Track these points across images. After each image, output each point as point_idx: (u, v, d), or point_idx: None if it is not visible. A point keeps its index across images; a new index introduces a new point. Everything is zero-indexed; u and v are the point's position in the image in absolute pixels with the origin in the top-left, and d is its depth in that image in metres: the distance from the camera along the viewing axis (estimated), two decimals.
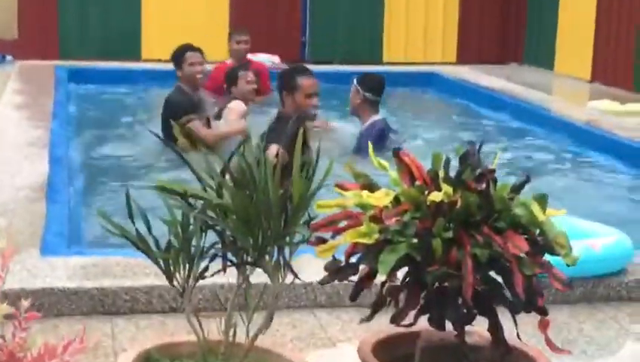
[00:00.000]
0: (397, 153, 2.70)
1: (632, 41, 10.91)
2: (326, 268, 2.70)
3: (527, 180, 2.67)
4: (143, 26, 12.18)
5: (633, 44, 10.90)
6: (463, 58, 12.94)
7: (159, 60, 11.80)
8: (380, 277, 2.63)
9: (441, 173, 2.67)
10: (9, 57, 11.60)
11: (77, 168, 6.92)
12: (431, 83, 11.48)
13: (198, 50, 7.73)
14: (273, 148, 5.45)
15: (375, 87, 7.36)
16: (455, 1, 12.99)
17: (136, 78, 11.03)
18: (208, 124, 7.63)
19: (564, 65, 12.15)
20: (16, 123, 7.81)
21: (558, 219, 2.70)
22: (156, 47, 12.12)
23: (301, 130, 2.80)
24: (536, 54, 12.81)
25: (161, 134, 7.23)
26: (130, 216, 2.64)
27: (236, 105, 7.83)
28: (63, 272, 4.14)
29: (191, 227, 2.63)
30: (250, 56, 11.11)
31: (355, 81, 7.39)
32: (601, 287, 4.38)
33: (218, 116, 7.89)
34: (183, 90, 7.53)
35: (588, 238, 4.41)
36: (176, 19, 12.21)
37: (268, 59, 11.49)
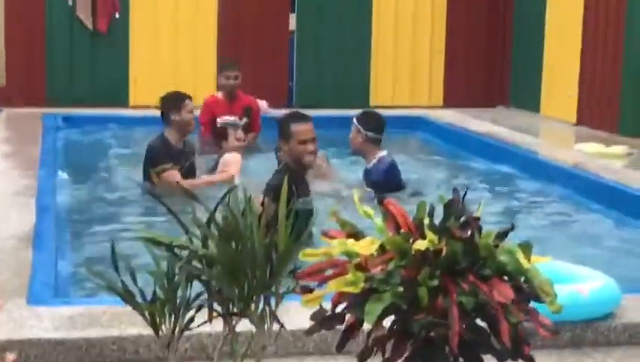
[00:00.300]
0: (382, 201, 2.72)
1: (617, 83, 10.99)
2: (312, 318, 2.71)
3: (512, 228, 2.68)
4: (131, 73, 12.21)
5: (618, 86, 10.98)
6: (449, 102, 13.01)
7: (147, 107, 11.85)
8: (367, 326, 2.63)
9: (426, 221, 2.68)
10: None
11: (64, 216, 6.90)
12: (418, 126, 11.53)
13: (191, 97, 7.78)
14: (258, 199, 5.45)
15: (376, 124, 7.38)
16: (441, 46, 13.08)
17: (123, 124, 11.04)
18: (192, 172, 7.63)
19: (550, 107, 12.22)
20: (3, 172, 7.81)
21: (545, 263, 2.71)
22: (144, 93, 12.15)
23: (285, 180, 2.81)
24: (523, 97, 12.89)
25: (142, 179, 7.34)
26: (116, 269, 2.65)
27: (231, 158, 7.85)
28: (49, 322, 4.12)
29: (176, 277, 2.64)
30: None
31: (354, 120, 7.41)
32: (589, 332, 4.38)
33: (214, 169, 7.93)
34: (166, 138, 7.55)
35: (575, 283, 4.42)
36: (164, 66, 12.25)
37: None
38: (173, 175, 7.30)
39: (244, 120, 9.76)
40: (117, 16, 12.01)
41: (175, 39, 12.31)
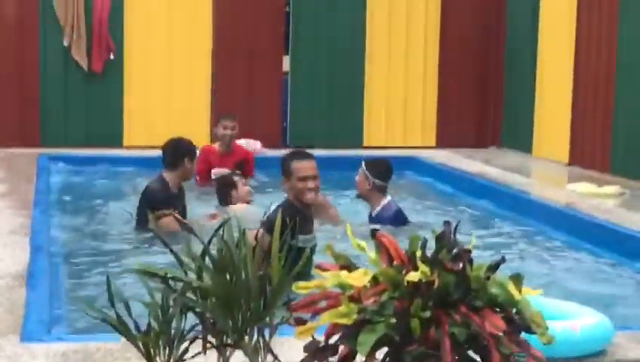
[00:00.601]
0: (375, 234, 2.75)
1: (609, 124, 11.07)
2: (306, 349, 2.73)
3: (503, 260, 2.71)
4: (125, 114, 12.27)
5: (610, 127, 11.05)
6: (442, 142, 13.08)
7: (140, 147, 11.90)
8: (360, 358, 2.65)
9: (419, 254, 2.71)
10: None
11: (58, 254, 6.92)
12: (410, 166, 11.57)
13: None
14: (252, 232, 5.45)
15: (383, 172, 7.57)
16: (434, 87, 13.17)
17: (117, 164, 11.08)
18: (184, 216, 7.62)
19: (542, 148, 12.29)
20: None
21: (538, 301, 2.74)
22: (138, 134, 12.21)
23: (280, 213, 2.84)
24: (515, 138, 12.96)
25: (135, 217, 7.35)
26: (111, 300, 2.66)
27: (239, 209, 7.87)
28: (43, 359, 4.12)
29: (171, 309, 2.66)
30: None
31: (363, 166, 7.54)
32: None
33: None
34: (166, 182, 7.53)
35: (567, 319, 4.43)
36: (158, 106, 12.32)
37: (249, 145, 11.58)
38: (173, 222, 7.20)
39: (237, 173, 9.80)
40: (112, 57, 12.09)
41: (169, 80, 12.38)
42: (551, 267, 7.10)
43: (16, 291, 5.29)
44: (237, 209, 7.80)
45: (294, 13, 12.80)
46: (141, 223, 7.45)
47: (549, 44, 12.21)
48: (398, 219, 7.57)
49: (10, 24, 11.93)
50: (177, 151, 7.62)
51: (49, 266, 6.22)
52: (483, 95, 13.34)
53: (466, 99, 13.29)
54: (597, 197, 9.40)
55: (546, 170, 11.77)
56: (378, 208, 7.51)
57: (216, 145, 9.93)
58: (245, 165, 9.77)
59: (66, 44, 11.95)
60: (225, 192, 8.20)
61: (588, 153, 11.44)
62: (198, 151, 7.85)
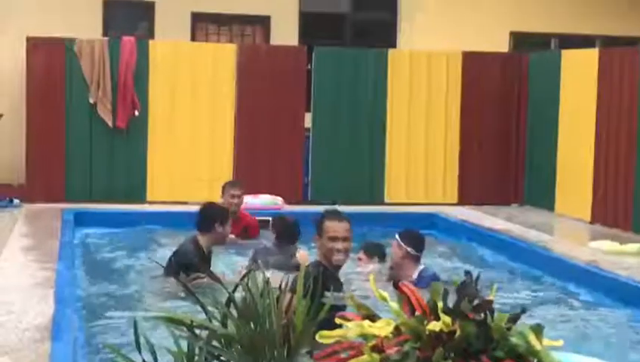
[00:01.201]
0: (397, 284, 2.79)
1: (631, 182, 11.08)
2: None
3: (524, 311, 2.74)
4: (149, 170, 12.39)
5: (632, 184, 11.07)
6: (464, 199, 13.10)
7: (163, 202, 12.00)
8: None
9: (440, 304, 2.75)
10: (16, 201, 11.77)
11: (82, 307, 6.97)
12: (433, 224, 11.59)
13: None
14: (277, 278, 5.42)
15: (419, 245, 7.72)
16: (456, 143, 13.22)
17: (141, 219, 11.16)
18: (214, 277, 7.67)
19: (564, 206, 12.30)
20: (23, 264, 7.92)
21: (561, 356, 2.75)
22: (161, 190, 12.31)
23: (302, 268, 2.89)
24: (537, 195, 12.98)
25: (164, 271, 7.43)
26: (138, 346, 2.71)
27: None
28: None
29: (196, 357, 2.70)
30: (252, 198, 11.29)
31: (398, 237, 7.69)
32: None
33: None
34: (200, 245, 7.64)
35: None
36: (182, 164, 12.43)
37: (271, 201, 11.67)
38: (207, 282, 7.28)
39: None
40: (137, 113, 12.24)
41: (193, 136, 12.51)
42: (573, 325, 7.09)
43: (42, 344, 5.34)
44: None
45: (316, 70, 12.94)
46: (170, 276, 7.49)
47: (570, 104, 12.28)
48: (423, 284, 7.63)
49: (38, 81, 12.12)
50: (208, 216, 7.74)
51: (74, 318, 6.27)
52: (505, 152, 13.38)
53: (489, 155, 13.32)
54: (619, 254, 9.39)
55: (568, 227, 11.76)
56: (414, 276, 7.52)
57: None
58: (249, 230, 9.95)
59: (91, 100, 12.12)
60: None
61: (610, 212, 11.44)
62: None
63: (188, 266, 7.40)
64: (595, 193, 11.70)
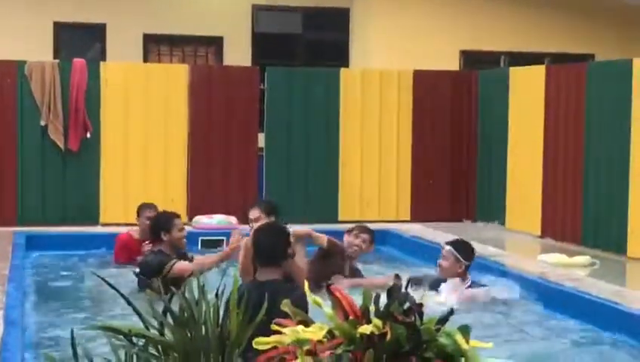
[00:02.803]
0: (329, 289, 2.86)
1: (579, 197, 11.26)
2: None
3: (452, 313, 2.82)
4: (102, 192, 12.36)
5: (580, 200, 11.24)
6: (416, 216, 13.21)
7: (117, 224, 11.98)
8: None
9: (372, 308, 2.82)
10: None
11: (31, 328, 6.97)
12: (385, 241, 11.67)
13: (179, 216, 8.12)
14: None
15: (470, 253, 7.82)
16: (408, 160, 13.33)
17: (94, 241, 11.14)
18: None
19: (514, 221, 12.46)
20: None
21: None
22: (114, 212, 12.29)
23: (235, 284, 2.95)
24: (488, 211, 13.12)
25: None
26: (75, 357, 2.75)
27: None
28: None
29: None
30: (206, 218, 11.35)
31: (451, 249, 7.70)
32: None
33: None
34: (164, 252, 7.91)
35: None
36: (134, 185, 12.42)
37: (226, 221, 11.70)
38: (185, 265, 7.53)
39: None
40: (89, 135, 12.22)
41: (146, 157, 12.51)
42: (522, 336, 7.19)
43: None
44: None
45: (269, 90, 13.02)
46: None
47: (519, 122, 12.46)
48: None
49: None
50: (155, 227, 8.05)
51: (22, 340, 6.27)
52: (456, 170, 13.52)
53: (440, 174, 13.46)
54: (568, 267, 9.54)
55: (519, 242, 11.90)
56: (467, 285, 7.59)
57: (134, 234, 9.94)
58: None
59: (42, 123, 12.08)
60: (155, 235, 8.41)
61: (559, 226, 11.61)
62: (177, 221, 8.21)
63: (157, 269, 7.58)
64: (545, 208, 11.87)
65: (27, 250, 10.47)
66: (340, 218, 12.92)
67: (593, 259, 10.00)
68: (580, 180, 11.26)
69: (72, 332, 2.80)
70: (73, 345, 2.73)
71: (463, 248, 7.66)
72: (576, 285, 8.32)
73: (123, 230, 10.56)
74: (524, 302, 8.29)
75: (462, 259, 7.57)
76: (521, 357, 5.90)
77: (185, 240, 8.23)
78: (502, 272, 9.37)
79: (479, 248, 10.56)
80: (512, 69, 13.03)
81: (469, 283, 7.66)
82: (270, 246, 5.10)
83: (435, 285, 7.49)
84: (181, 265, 7.67)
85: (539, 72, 12.23)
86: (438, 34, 16.37)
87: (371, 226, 12.22)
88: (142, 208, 9.97)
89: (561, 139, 11.62)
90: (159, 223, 8.12)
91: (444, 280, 7.69)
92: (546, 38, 16.70)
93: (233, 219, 11.71)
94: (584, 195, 11.20)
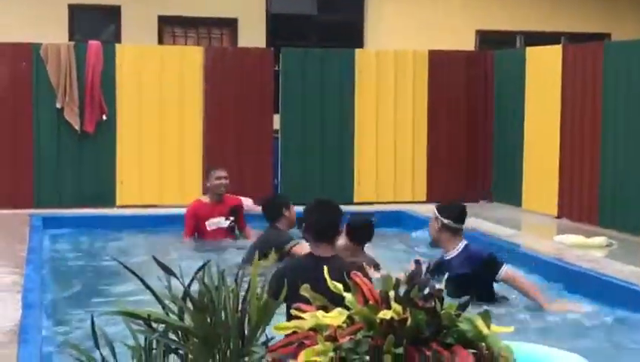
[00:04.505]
0: (350, 275, 2.85)
1: (597, 177, 11.21)
2: None
3: (471, 299, 2.81)
4: (118, 174, 12.37)
5: (597, 179, 11.20)
6: (432, 197, 13.16)
7: (134, 206, 12.01)
8: None
9: (392, 293, 2.81)
10: None
11: (50, 311, 6.99)
12: (400, 221, 11.66)
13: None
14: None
15: (456, 215, 7.30)
16: (423, 141, 13.30)
17: (110, 223, 11.18)
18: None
19: (531, 201, 12.42)
20: None
21: (524, 347, 2.82)
22: (130, 194, 12.31)
23: (254, 269, 2.94)
24: (504, 192, 13.08)
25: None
26: (95, 342, 2.75)
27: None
28: None
29: (154, 351, 2.74)
30: None
31: (435, 210, 7.39)
32: None
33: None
34: (278, 228, 8.42)
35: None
36: (150, 167, 12.43)
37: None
38: (303, 246, 7.45)
39: (231, 219, 10.11)
40: (104, 118, 12.23)
41: (161, 139, 12.51)
42: (539, 316, 7.18)
43: (8, 347, 5.36)
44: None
45: (283, 71, 12.99)
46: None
47: (535, 101, 12.41)
48: (474, 261, 7.16)
49: (3, 87, 12.08)
50: (274, 206, 8.63)
51: (41, 322, 6.30)
52: (472, 151, 13.47)
53: (456, 155, 13.42)
54: (585, 248, 9.51)
55: (535, 222, 11.87)
56: (454, 251, 7.16)
57: (204, 198, 10.18)
58: (239, 211, 10.38)
59: (58, 105, 12.09)
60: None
61: (576, 206, 11.57)
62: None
63: (285, 241, 8.07)
64: (562, 188, 11.83)
65: (44, 231, 10.49)
66: (355, 199, 12.91)
67: (610, 239, 9.96)
68: (597, 161, 11.22)
69: (92, 318, 2.80)
70: (94, 331, 2.74)
71: (444, 208, 7.44)
72: (594, 266, 8.29)
73: (139, 212, 10.60)
74: (541, 284, 8.27)
75: (439, 216, 7.33)
76: (536, 339, 5.88)
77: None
78: (517, 253, 9.37)
79: (495, 229, 10.59)
80: (528, 48, 12.97)
81: (459, 249, 7.31)
82: (328, 223, 5.35)
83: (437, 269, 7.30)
84: (304, 248, 7.43)
85: (555, 51, 12.16)
86: (454, 14, 16.30)
87: (386, 207, 12.32)
88: (211, 170, 10.48)
89: (578, 120, 11.57)
90: (278, 202, 8.71)
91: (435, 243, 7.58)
92: (561, 18, 16.61)
93: (249, 201, 11.70)
94: (602, 176, 11.15)
